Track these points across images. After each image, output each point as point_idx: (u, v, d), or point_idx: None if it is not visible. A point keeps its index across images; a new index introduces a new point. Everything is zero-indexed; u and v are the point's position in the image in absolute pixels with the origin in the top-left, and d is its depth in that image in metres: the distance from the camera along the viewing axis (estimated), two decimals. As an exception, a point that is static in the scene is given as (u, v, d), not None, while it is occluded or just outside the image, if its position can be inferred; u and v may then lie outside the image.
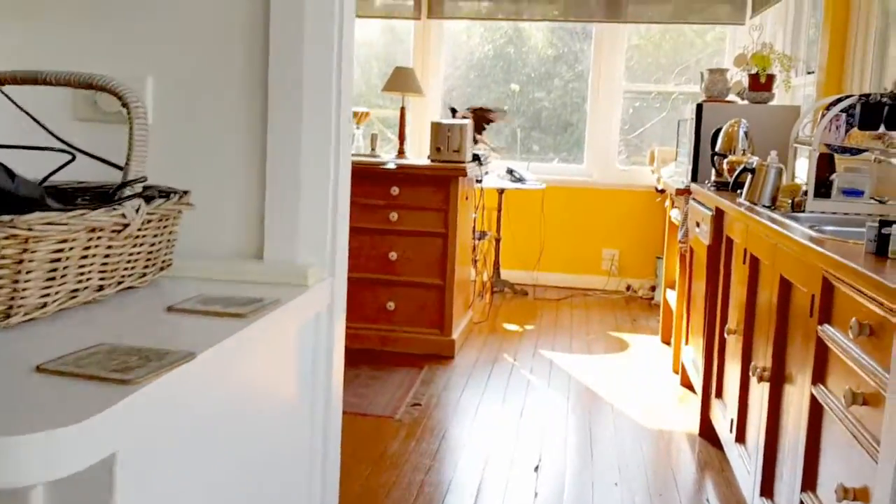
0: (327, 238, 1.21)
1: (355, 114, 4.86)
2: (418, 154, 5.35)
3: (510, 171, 5.18)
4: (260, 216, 1.20)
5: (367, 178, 3.78)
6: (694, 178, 3.70)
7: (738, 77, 4.02)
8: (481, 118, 4.41)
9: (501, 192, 5.14)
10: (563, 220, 5.51)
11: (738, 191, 2.87)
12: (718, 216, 2.92)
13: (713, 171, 3.35)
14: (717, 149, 3.34)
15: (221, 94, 1.21)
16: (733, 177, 2.76)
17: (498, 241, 5.25)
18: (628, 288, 5.47)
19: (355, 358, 3.74)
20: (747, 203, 2.61)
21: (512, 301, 5.15)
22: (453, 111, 4.52)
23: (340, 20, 1.19)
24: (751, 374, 2.23)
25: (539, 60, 5.72)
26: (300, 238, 1.19)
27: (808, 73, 4.14)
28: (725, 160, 3.17)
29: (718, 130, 3.41)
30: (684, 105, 5.50)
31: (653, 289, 5.36)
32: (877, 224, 1.60)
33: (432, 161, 3.86)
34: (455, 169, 3.72)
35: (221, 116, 1.21)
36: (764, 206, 2.55)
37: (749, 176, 2.60)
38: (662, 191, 4.99)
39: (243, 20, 1.20)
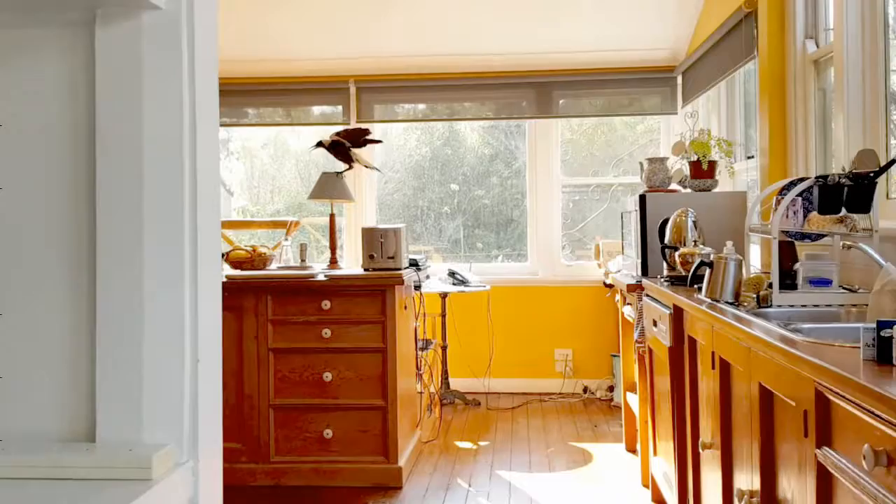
0: (185, 405, 0.89)
1: (284, 224, 4.59)
2: (357, 261, 5.08)
3: (452, 274, 4.93)
4: (90, 380, 0.88)
5: (296, 293, 3.47)
6: (644, 272, 3.49)
7: (678, 165, 3.90)
8: (355, 136, 3.99)
9: (444, 296, 4.87)
10: (511, 322, 5.24)
11: (696, 285, 2.64)
12: (677, 314, 2.68)
13: (665, 264, 3.14)
14: (666, 240, 3.14)
15: (28, 209, 0.91)
16: (691, 271, 2.53)
17: (444, 348, 4.94)
18: (585, 390, 5.17)
19: (285, 499, 3.32)
20: (708, 300, 2.37)
21: (464, 413, 4.79)
22: (319, 144, 4.09)
23: (192, 117, 0.91)
24: (736, 499, 1.93)
25: (476, 159, 5.67)
26: (145, 408, 0.87)
27: (748, 157, 4.05)
28: (677, 253, 2.96)
29: (665, 221, 3.23)
30: (625, 196, 5.40)
31: (611, 389, 5.07)
32: (874, 326, 1.35)
33: (366, 270, 3.58)
34: (390, 277, 3.44)
35: (28, 239, 0.91)
36: (727, 302, 2.32)
37: (707, 270, 2.37)
38: (611, 285, 4.79)
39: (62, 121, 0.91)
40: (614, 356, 4.96)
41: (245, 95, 5.38)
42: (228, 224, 4.73)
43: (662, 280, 3.09)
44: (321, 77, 5.34)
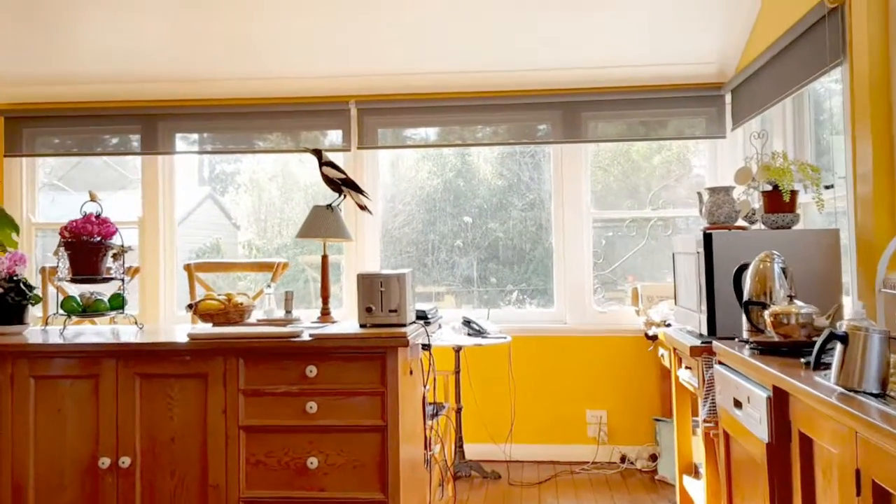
0: None
1: (268, 266, 3.91)
2: (354, 312, 4.39)
3: (467, 323, 4.22)
4: None
5: (275, 356, 2.77)
6: (712, 330, 2.78)
7: (744, 196, 3.20)
8: (350, 184, 3.30)
9: (458, 350, 4.16)
10: (536, 378, 4.52)
11: (804, 359, 1.93)
12: (780, 399, 1.96)
13: (746, 323, 2.42)
14: (746, 292, 2.43)
15: None
16: (816, 348, 1.81)
17: (458, 411, 4.22)
18: (623, 459, 4.42)
19: None
20: (840, 388, 1.66)
21: (481, 488, 4.05)
22: (316, 151, 3.40)
23: None
24: None
25: (489, 191, 5.08)
26: None
27: (826, 186, 3.34)
28: (767, 312, 2.25)
29: (743, 268, 2.52)
30: (664, 232, 4.70)
31: (653, 458, 4.32)
32: None
33: (362, 326, 2.88)
34: (392, 337, 2.74)
35: None
36: (870, 393, 1.60)
37: (839, 346, 1.66)
38: (654, 337, 4.07)
39: None
40: (658, 420, 4.22)
41: (233, 119, 4.74)
42: (205, 266, 4.06)
43: (746, 346, 2.37)
44: (317, 97, 4.70)
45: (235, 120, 4.73)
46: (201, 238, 5.32)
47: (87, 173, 5.21)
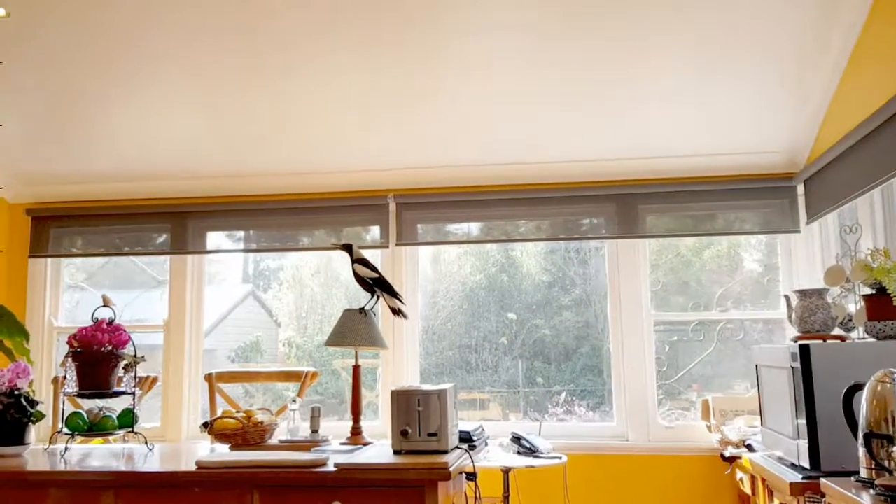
0: None
1: (296, 376, 3.55)
2: (390, 426, 3.99)
3: (517, 439, 3.77)
4: None
5: (295, 488, 2.37)
6: (815, 463, 2.30)
7: (837, 301, 2.77)
8: (385, 286, 3.00)
9: (507, 472, 3.69)
10: (596, 503, 4.00)
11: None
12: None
13: (864, 457, 1.96)
14: (862, 420, 1.98)
15: None
16: None
17: (507, 542, 3.71)
18: None
19: None
20: None
21: None
22: (346, 247, 3.15)
23: None
24: None
25: (535, 287, 4.77)
26: None
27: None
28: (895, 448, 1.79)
29: (855, 389, 2.08)
30: (736, 337, 4.24)
31: None
32: None
33: (396, 452, 2.48)
34: (431, 468, 2.32)
35: None
36: None
37: None
38: (732, 459, 3.56)
39: None
40: (739, 556, 3.65)
41: (265, 215, 4.49)
42: (228, 376, 3.71)
43: (867, 489, 1.90)
44: (353, 192, 4.44)
45: (268, 217, 4.49)
46: (242, 336, 5.05)
47: (114, 274, 5.00)
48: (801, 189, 4.05)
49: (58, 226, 4.63)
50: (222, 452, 2.63)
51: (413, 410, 2.49)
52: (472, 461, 2.59)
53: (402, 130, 4.08)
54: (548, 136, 4.06)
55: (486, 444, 3.06)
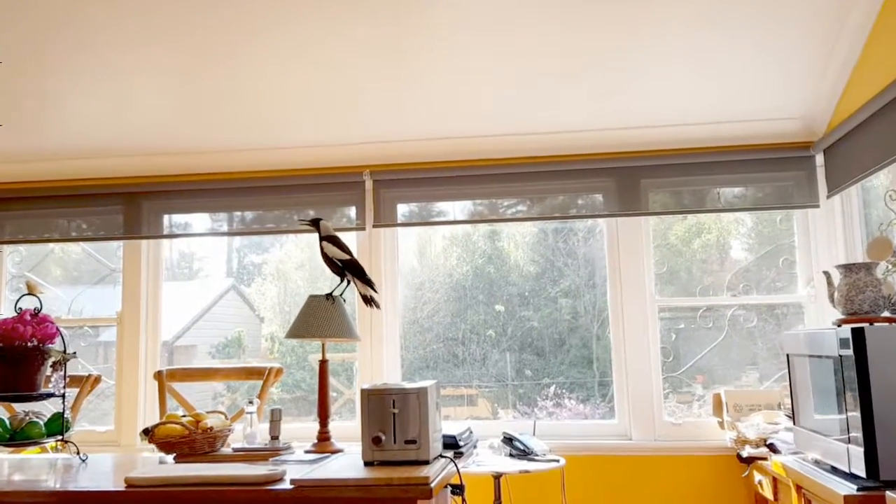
0: None
1: (257, 373, 3.13)
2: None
3: (509, 440, 3.36)
4: None
5: (242, 508, 1.95)
6: (872, 470, 1.91)
7: (884, 277, 2.37)
8: (356, 271, 2.62)
9: (499, 477, 3.28)
10: (595, 510, 3.61)
11: None
12: None
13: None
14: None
15: None
16: None
17: (499, 557, 3.30)
18: None
19: None
20: None
21: None
22: (314, 222, 2.74)
23: None
24: None
25: (522, 278, 4.45)
26: None
27: None
28: None
29: (930, 380, 1.68)
30: (748, 324, 3.85)
31: None
32: None
33: (367, 464, 2.06)
34: (408, 484, 1.90)
35: None
36: None
37: None
38: (749, 459, 3.17)
39: None
40: (759, 568, 3.26)
41: (228, 196, 4.05)
42: (180, 374, 3.28)
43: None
44: (326, 168, 4.01)
45: (231, 197, 4.05)
46: (223, 332, 4.67)
47: (63, 264, 4.54)
48: (819, 160, 3.66)
49: (-2, 209, 4.17)
50: (158, 466, 2.20)
51: (387, 413, 2.07)
52: (459, 471, 2.18)
53: (379, 100, 3.65)
54: (541, 105, 3.65)
55: (475, 448, 2.65)
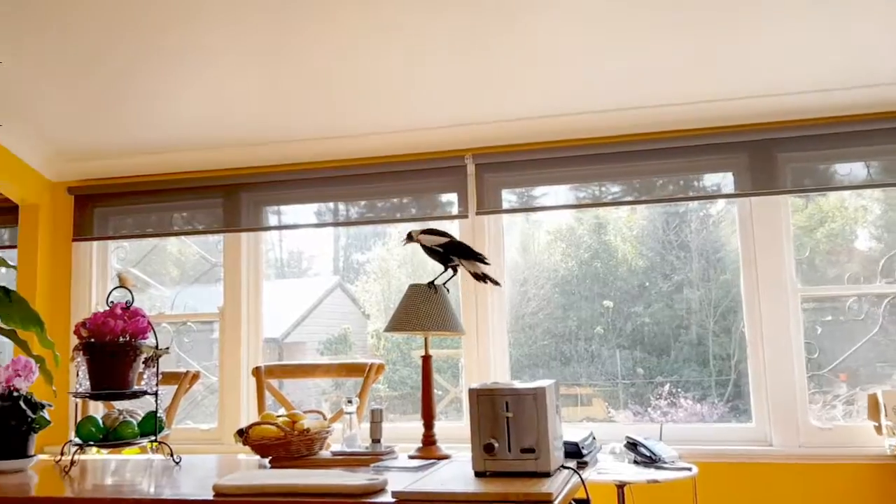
0: None
1: (358, 369, 2.92)
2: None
3: (633, 446, 3.03)
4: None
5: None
6: None
7: None
8: (461, 250, 2.36)
9: (622, 487, 2.95)
10: (732, 524, 3.22)
11: None
12: None
13: None
14: None
15: None
16: None
17: (624, 575, 2.97)
18: None
19: None
20: None
21: None
22: (409, 237, 2.49)
23: None
24: None
25: (630, 273, 4.16)
26: None
27: None
28: None
29: None
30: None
31: None
32: None
33: (479, 474, 1.80)
34: (528, 499, 1.63)
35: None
36: None
37: None
38: (921, 471, 2.72)
39: None
40: None
41: (325, 185, 3.89)
42: (279, 370, 3.12)
43: None
44: (426, 153, 3.78)
45: (328, 187, 3.88)
46: (330, 329, 4.62)
47: (167, 259, 4.51)
48: None
49: (102, 205, 4.16)
50: (249, 473, 2.01)
51: (500, 417, 1.80)
52: (585, 485, 1.88)
53: (480, 78, 3.38)
54: (658, 75, 3.28)
55: (597, 459, 2.34)
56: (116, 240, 4.22)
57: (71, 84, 3.55)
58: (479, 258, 2.31)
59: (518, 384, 1.86)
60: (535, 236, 4.24)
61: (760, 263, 3.42)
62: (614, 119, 3.54)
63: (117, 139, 3.96)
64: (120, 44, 3.26)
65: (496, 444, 1.78)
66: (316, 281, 4.72)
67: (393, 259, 4.74)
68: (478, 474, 1.80)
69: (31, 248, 4.10)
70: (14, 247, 4.21)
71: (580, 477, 1.87)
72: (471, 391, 1.84)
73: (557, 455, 1.84)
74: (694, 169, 3.49)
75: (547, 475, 1.75)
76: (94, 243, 4.20)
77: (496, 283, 2.41)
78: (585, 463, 2.02)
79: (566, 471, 1.86)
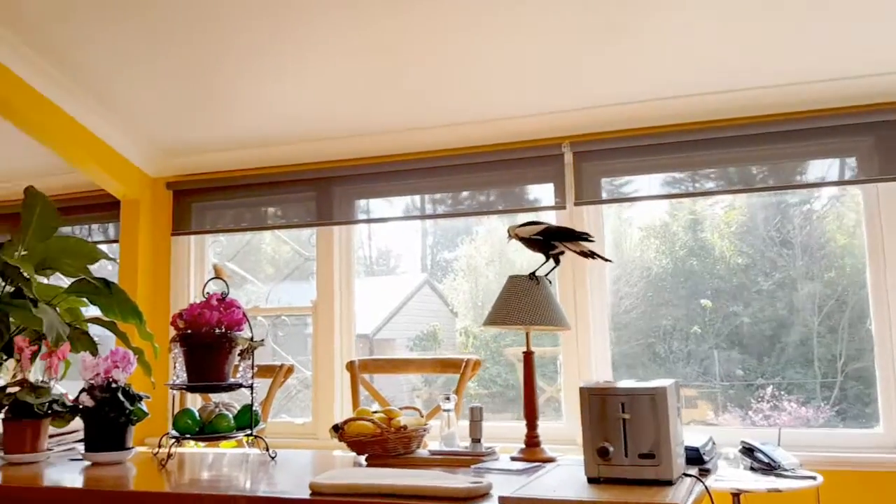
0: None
1: (454, 365, 2.81)
2: (578, 428, 3.17)
3: (749, 451, 2.81)
4: None
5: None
6: None
7: None
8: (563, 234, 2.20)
9: (737, 495, 2.74)
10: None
11: None
12: None
13: None
14: None
15: None
16: None
17: (740, 590, 2.75)
18: None
19: None
20: None
21: None
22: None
23: None
24: None
25: (728, 271, 3.95)
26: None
27: None
28: None
29: None
30: None
31: None
32: None
33: (591, 481, 1.65)
34: (649, 508, 1.47)
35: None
36: None
37: None
38: None
39: None
40: None
41: (415, 177, 3.80)
42: (373, 365, 3.04)
43: None
44: (519, 142, 3.64)
45: (420, 179, 3.79)
46: (418, 326, 4.59)
47: (262, 253, 4.53)
48: None
49: (199, 200, 4.20)
50: (346, 471, 1.93)
51: (614, 419, 1.65)
52: (711, 495, 1.71)
53: (575, 61, 3.21)
54: (774, 53, 3.04)
55: (717, 465, 2.15)
56: (213, 234, 4.26)
57: (170, 82, 3.58)
58: (584, 237, 2.16)
59: (634, 383, 1.71)
60: (626, 233, 4.07)
61: (890, 255, 3.13)
62: (725, 101, 3.31)
63: (214, 134, 3.99)
64: (218, 40, 3.26)
65: (611, 449, 1.63)
66: (404, 279, 4.68)
67: (481, 256, 4.65)
68: (590, 480, 1.66)
69: (131, 243, 4.18)
70: (116, 241, 4.31)
71: (704, 486, 1.70)
72: (583, 390, 1.69)
73: (680, 462, 1.67)
74: (813, 152, 3.23)
75: (669, 483, 1.59)
76: (192, 237, 4.25)
77: (607, 259, 2.25)
78: (707, 470, 1.84)
79: (688, 479, 1.69)
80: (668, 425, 1.62)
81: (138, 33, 3.24)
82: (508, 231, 2.31)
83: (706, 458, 1.87)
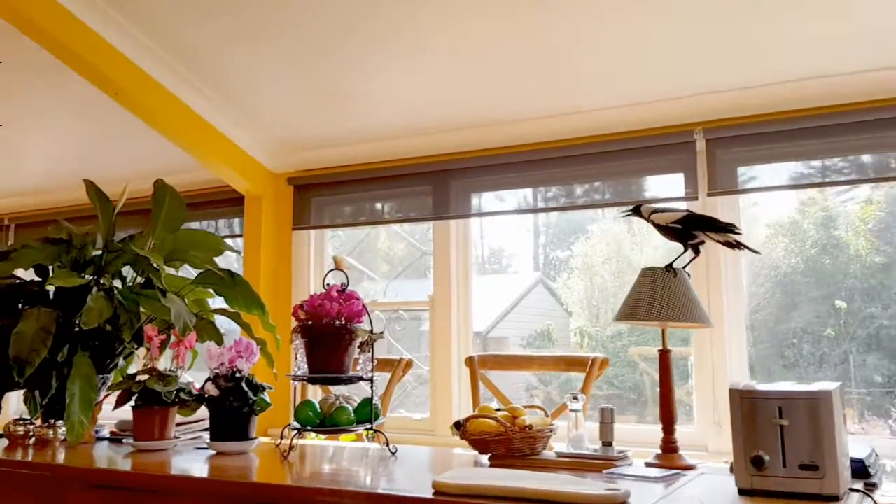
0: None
1: (580, 363, 2.68)
2: (708, 430, 2.99)
3: (909, 466, 2.52)
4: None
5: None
6: None
7: None
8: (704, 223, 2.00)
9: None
10: None
11: None
12: None
13: None
14: None
15: None
16: None
17: None
18: None
19: None
20: None
21: None
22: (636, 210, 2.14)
23: None
24: None
25: (865, 270, 3.65)
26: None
27: None
28: None
29: None
30: None
31: None
32: None
33: (743, 493, 1.49)
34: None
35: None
36: None
37: None
38: None
39: None
40: None
41: (533, 168, 3.67)
42: (491, 361, 2.94)
43: None
44: (646, 130, 3.44)
45: (539, 171, 3.66)
46: (532, 325, 4.50)
47: (378, 248, 4.53)
48: None
49: (319, 194, 4.24)
50: (471, 471, 1.83)
51: (770, 425, 1.48)
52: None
53: (707, 41, 2.99)
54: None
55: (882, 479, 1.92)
56: (332, 228, 4.28)
57: (290, 77, 3.61)
58: (730, 228, 1.98)
59: (792, 385, 1.53)
60: (752, 231, 3.81)
61: None
62: (878, 80, 3.00)
63: (333, 129, 4.00)
64: (336, 36, 3.25)
65: (767, 458, 1.46)
66: (517, 277, 4.60)
67: (596, 255, 4.49)
68: (742, 492, 1.49)
69: (255, 237, 4.27)
70: (241, 236, 4.41)
71: (874, 501, 1.50)
72: (733, 392, 1.53)
73: (846, 475, 1.48)
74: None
75: (835, 499, 1.41)
76: (312, 232, 4.29)
77: (755, 251, 2.05)
78: (874, 484, 1.63)
79: (856, 494, 1.50)
80: (834, 433, 1.43)
81: (260, 32, 3.28)
82: (640, 210, 2.14)
83: (871, 470, 1.66)
